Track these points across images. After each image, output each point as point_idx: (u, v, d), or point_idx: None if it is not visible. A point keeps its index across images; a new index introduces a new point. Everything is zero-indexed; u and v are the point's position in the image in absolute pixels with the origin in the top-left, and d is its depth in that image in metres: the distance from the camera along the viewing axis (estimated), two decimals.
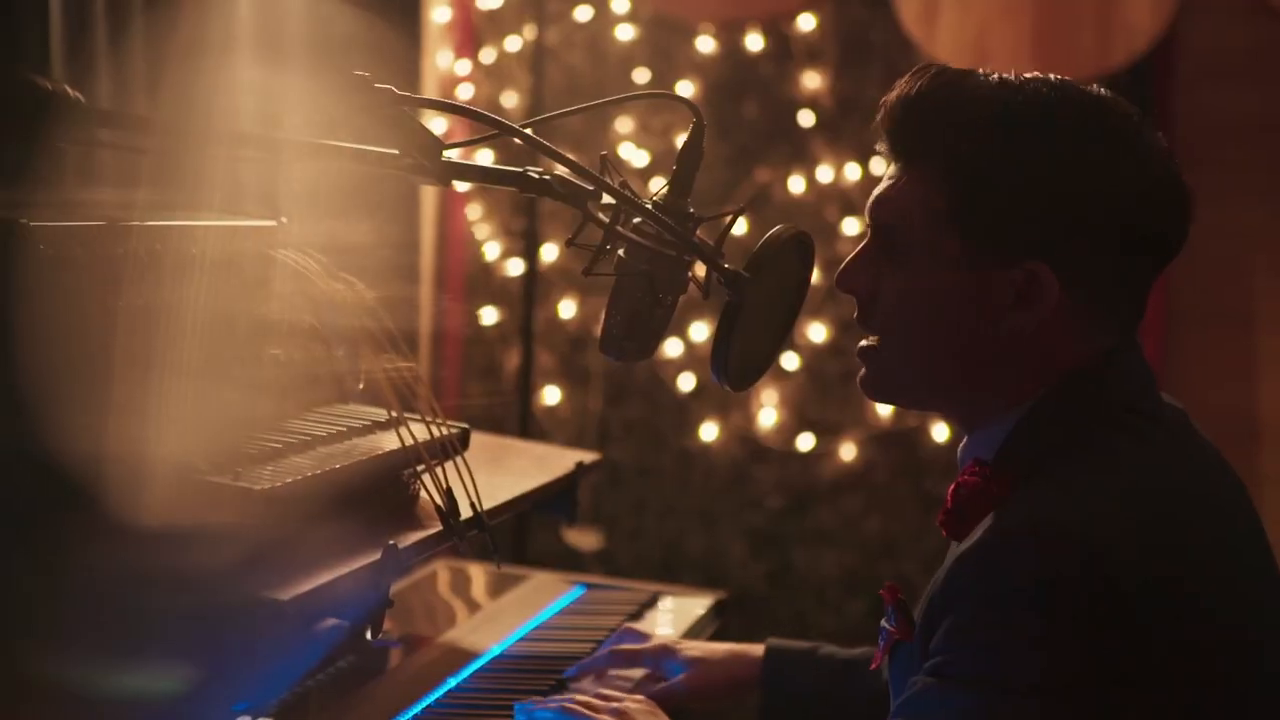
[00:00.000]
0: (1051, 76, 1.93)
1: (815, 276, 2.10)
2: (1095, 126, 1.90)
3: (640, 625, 2.86)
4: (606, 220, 1.98)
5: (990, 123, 1.89)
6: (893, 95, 1.94)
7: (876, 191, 1.97)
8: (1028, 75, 1.92)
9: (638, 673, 2.55)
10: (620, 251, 2.00)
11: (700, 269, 2.01)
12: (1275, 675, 1.84)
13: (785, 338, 2.10)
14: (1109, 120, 1.91)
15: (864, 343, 2.00)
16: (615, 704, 2.20)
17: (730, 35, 4.77)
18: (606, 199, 1.99)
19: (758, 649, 2.51)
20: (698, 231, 2.01)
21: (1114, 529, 1.74)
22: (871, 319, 1.97)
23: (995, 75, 1.93)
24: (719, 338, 1.96)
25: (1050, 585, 1.72)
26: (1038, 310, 1.88)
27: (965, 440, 1.99)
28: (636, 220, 1.99)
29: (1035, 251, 1.87)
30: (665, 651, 2.55)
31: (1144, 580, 1.72)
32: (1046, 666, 1.70)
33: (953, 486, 1.91)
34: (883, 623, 2.01)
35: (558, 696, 2.25)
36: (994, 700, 1.71)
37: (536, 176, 2.03)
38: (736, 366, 1.99)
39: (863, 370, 2.01)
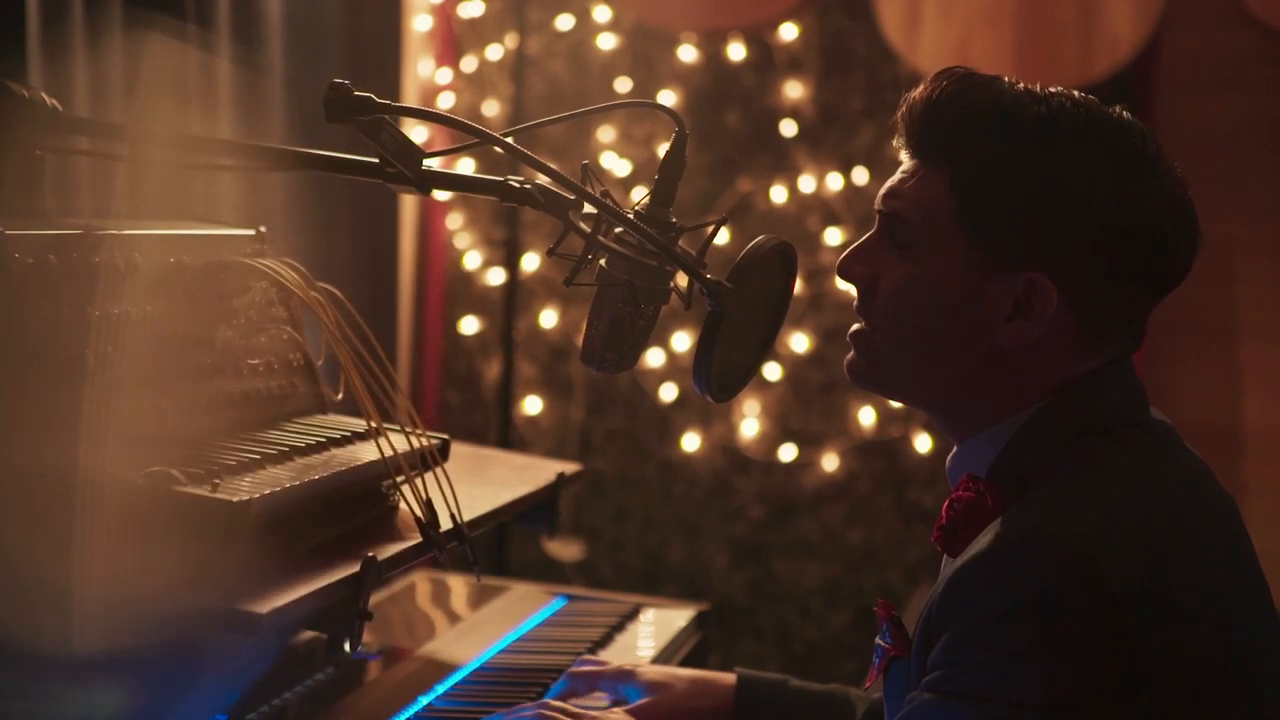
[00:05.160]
0: (1076, 94, 1.92)
1: (797, 286, 2.09)
2: (1115, 151, 1.89)
3: (622, 637, 2.85)
4: (588, 230, 1.97)
5: (1011, 133, 1.88)
6: (916, 93, 1.93)
7: (890, 183, 1.96)
8: (1053, 90, 1.92)
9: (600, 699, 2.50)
10: (602, 261, 1.99)
11: (682, 279, 2.00)
12: (1262, 688, 1.83)
13: (768, 349, 2.09)
14: (1130, 147, 1.89)
15: (856, 326, 1.99)
16: (591, 715, 2.19)
17: (712, 44, 4.77)
18: (588, 208, 1.98)
19: (723, 677, 2.41)
20: (680, 241, 2.00)
21: (1110, 541, 1.73)
22: (870, 309, 1.96)
23: (1021, 85, 1.92)
24: (701, 349, 1.94)
25: (1048, 598, 1.71)
26: (1034, 323, 1.88)
27: (954, 452, 1.98)
28: (618, 230, 1.98)
29: (1038, 263, 1.87)
30: (624, 675, 2.43)
31: (1141, 593, 1.72)
32: (1045, 681, 1.70)
33: (947, 502, 1.90)
34: (877, 640, 1.99)
35: (529, 707, 2.22)
36: (992, 716, 1.70)
37: (517, 185, 2.02)
38: (719, 377, 1.97)
39: (850, 354, 2.00)
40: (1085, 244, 1.87)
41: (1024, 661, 1.70)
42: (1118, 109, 1.93)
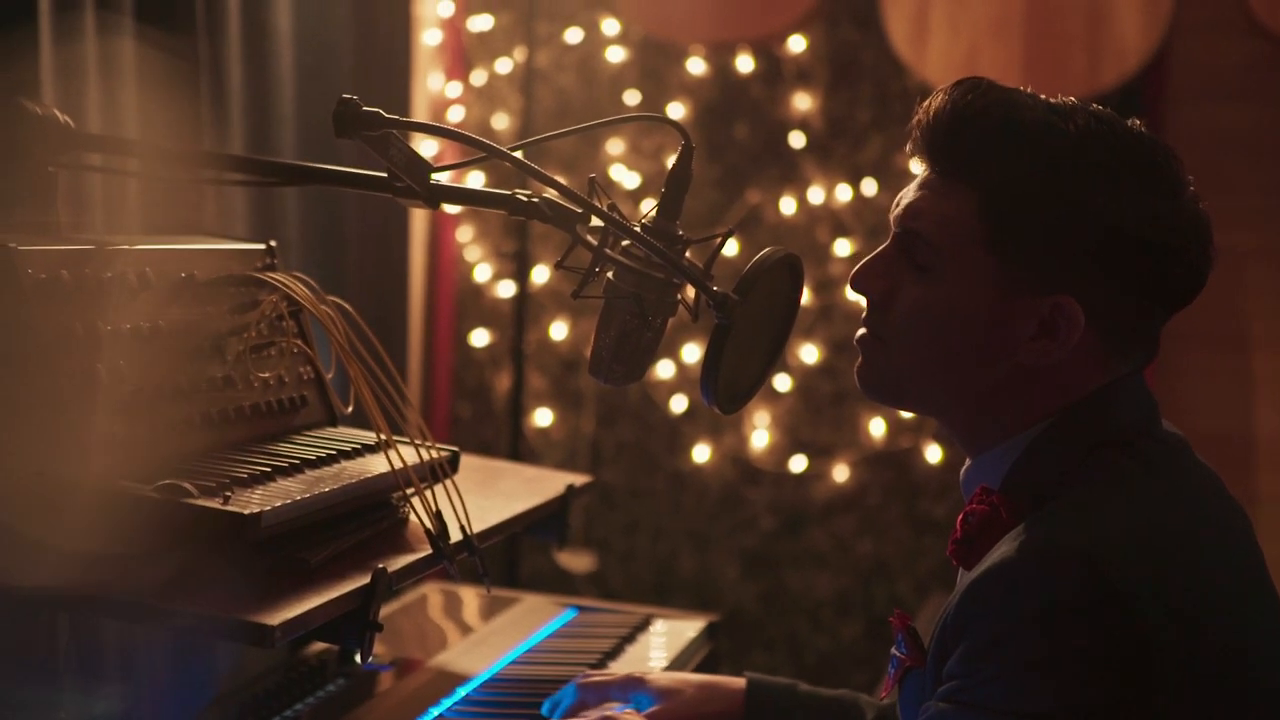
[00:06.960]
0: (1096, 108, 1.91)
1: (806, 297, 2.10)
2: (1142, 170, 1.88)
3: (632, 648, 2.85)
4: (595, 243, 1.98)
5: (1037, 153, 1.87)
6: (937, 104, 1.91)
7: (908, 199, 1.94)
8: (1072, 103, 1.91)
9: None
10: (609, 274, 2.00)
11: (690, 291, 2.01)
12: (1274, 700, 1.83)
13: (775, 360, 2.09)
14: (1154, 165, 1.89)
15: (864, 332, 1.98)
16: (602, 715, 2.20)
17: (720, 57, 4.78)
18: (595, 221, 1.99)
19: (732, 682, 2.42)
20: (687, 253, 2.01)
21: (1124, 554, 1.74)
22: (883, 323, 1.95)
23: (1043, 99, 1.91)
24: (708, 360, 1.95)
25: (1063, 610, 1.71)
26: (1059, 344, 1.88)
27: (968, 465, 1.98)
28: (625, 243, 1.99)
29: (1067, 286, 1.87)
30: (633, 683, 2.42)
31: (1154, 605, 1.73)
32: (1059, 692, 1.70)
33: (961, 515, 1.90)
34: (893, 650, 1.99)
35: None
36: None
37: (525, 199, 2.03)
38: (726, 389, 1.98)
39: (860, 361, 1.99)
40: (1114, 266, 1.87)
41: (1039, 672, 1.71)
42: (1136, 124, 1.92)
